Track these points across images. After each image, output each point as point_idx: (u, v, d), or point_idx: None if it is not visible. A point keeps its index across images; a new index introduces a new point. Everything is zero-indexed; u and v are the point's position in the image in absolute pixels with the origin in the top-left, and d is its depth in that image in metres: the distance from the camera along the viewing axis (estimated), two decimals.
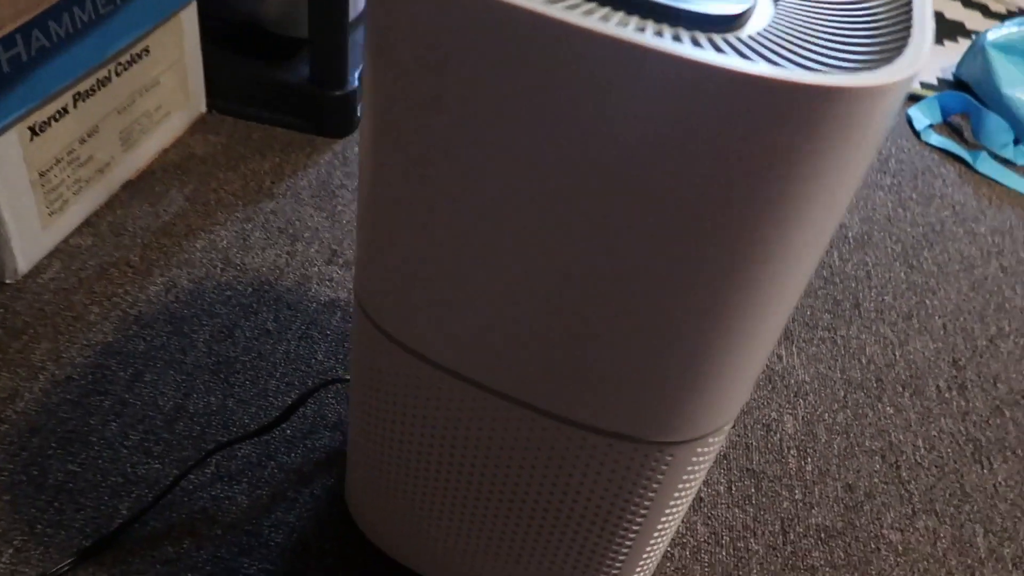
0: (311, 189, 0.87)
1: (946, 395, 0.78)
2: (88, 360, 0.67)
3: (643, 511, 0.46)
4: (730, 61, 0.30)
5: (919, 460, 0.71)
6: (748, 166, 0.32)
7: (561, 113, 0.33)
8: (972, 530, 0.67)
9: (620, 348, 0.38)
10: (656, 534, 0.49)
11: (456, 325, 0.42)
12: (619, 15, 0.33)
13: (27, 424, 0.61)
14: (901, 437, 0.73)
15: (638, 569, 0.51)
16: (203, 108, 0.94)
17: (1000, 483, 0.71)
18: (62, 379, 0.65)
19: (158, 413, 0.64)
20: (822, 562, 0.62)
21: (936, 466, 0.71)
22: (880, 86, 0.30)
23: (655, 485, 0.44)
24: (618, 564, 0.50)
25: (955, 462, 0.72)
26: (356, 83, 0.94)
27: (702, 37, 0.33)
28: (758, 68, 0.30)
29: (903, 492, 0.68)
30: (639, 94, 0.31)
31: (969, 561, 0.64)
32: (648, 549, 0.50)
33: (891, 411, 0.75)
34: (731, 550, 0.62)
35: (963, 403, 0.77)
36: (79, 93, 0.72)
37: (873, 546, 0.64)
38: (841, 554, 0.63)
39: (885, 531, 0.65)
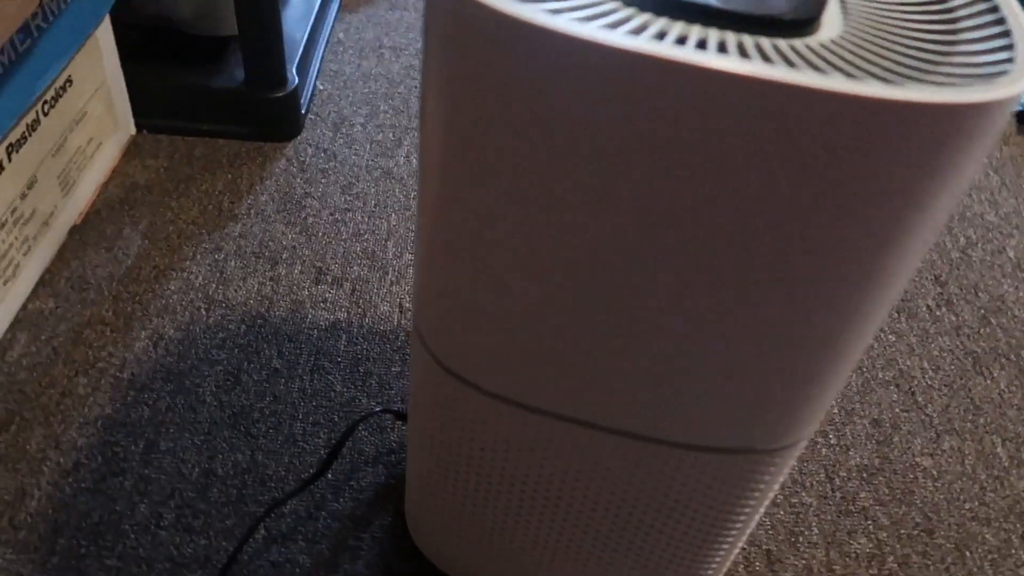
0: (275, 203, 0.82)
1: (937, 313, 0.81)
2: (92, 439, 0.61)
3: (745, 512, 0.46)
4: (869, 88, 0.28)
5: (929, 382, 0.75)
6: (875, 188, 0.31)
7: (665, 146, 0.30)
8: (991, 441, 0.71)
9: (734, 373, 0.37)
10: (749, 528, 0.49)
11: (548, 366, 0.40)
12: (680, 25, 0.31)
13: (47, 525, 0.56)
14: (908, 363, 0.76)
15: (728, 561, 0.52)
16: (132, 130, 0.85)
17: (1004, 390, 0.75)
18: (70, 467, 0.59)
19: (186, 483, 0.59)
20: (871, 501, 0.65)
21: (945, 385, 0.75)
22: (1009, 98, 0.30)
23: (761, 486, 0.44)
24: (714, 564, 0.50)
25: (960, 378, 0.75)
26: (296, 80, 0.87)
27: (779, 43, 0.32)
28: (891, 91, 0.28)
29: (923, 417, 0.72)
30: (751, 124, 0.29)
31: (996, 472, 0.68)
32: (739, 542, 0.50)
33: (893, 338, 0.78)
34: (787, 508, 0.64)
35: (953, 318, 0.81)
36: (11, 144, 0.64)
37: (911, 476, 0.67)
38: (885, 490, 0.66)
39: (918, 459, 0.68)
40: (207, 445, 0.62)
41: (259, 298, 0.73)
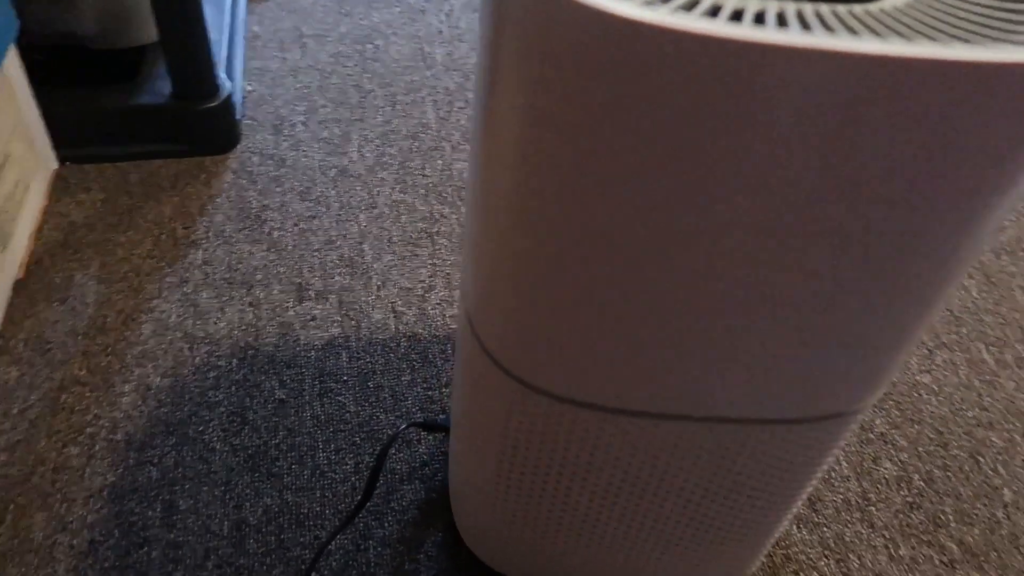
0: (233, 222, 0.76)
1: None
2: (102, 513, 0.56)
3: (822, 469, 0.47)
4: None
5: None
6: (985, 150, 0.31)
7: (778, 129, 0.29)
8: (977, 348, 0.74)
9: (839, 343, 0.37)
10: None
11: (641, 366, 0.38)
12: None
13: None
14: None
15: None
16: (55, 164, 0.78)
17: (976, 298, 0.79)
18: (85, 548, 0.54)
19: (218, 540, 0.56)
20: (887, 427, 0.68)
21: None
22: None
23: (841, 442, 0.45)
24: (782, 524, 0.51)
25: None
26: (228, 85, 0.81)
27: (870, 7, 0.31)
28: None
29: None
30: (860, 98, 0.28)
31: (987, 377, 0.72)
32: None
33: None
34: None
35: None
36: None
37: (916, 395, 0.70)
38: (896, 413, 0.69)
39: (918, 377, 0.71)
40: (230, 495, 0.58)
41: (243, 327, 0.68)
